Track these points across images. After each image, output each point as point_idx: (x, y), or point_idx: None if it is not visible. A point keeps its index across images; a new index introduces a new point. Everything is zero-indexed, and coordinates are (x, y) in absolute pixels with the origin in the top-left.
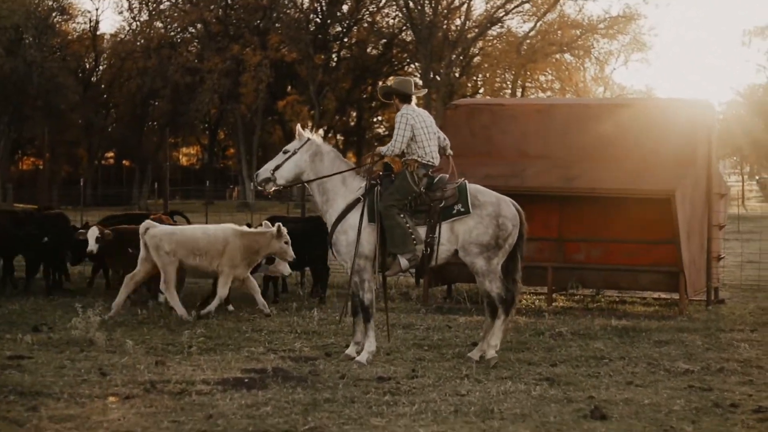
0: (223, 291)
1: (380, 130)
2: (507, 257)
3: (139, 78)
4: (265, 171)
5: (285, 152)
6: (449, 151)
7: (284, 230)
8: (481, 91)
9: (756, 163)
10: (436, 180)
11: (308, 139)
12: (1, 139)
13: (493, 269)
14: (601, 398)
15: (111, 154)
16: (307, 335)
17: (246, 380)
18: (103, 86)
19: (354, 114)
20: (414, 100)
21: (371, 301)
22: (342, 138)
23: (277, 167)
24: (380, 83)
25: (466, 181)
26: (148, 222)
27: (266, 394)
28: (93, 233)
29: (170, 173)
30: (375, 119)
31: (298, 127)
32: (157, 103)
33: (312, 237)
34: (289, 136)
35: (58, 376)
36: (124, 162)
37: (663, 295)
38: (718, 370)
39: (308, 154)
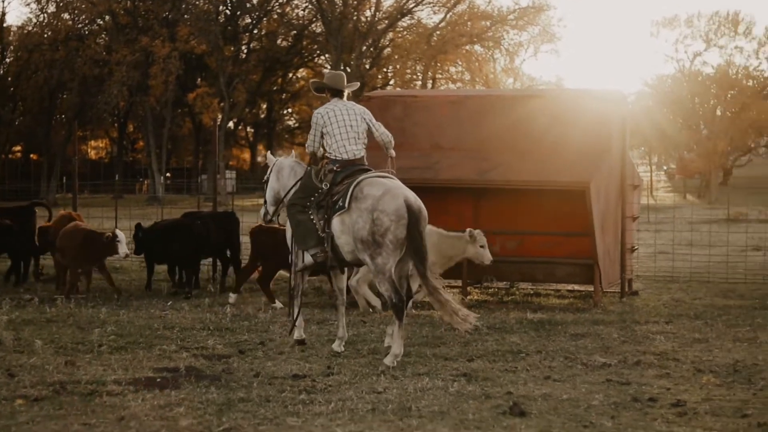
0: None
1: (291, 123)
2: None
3: (47, 70)
4: (262, 206)
5: (265, 182)
6: (391, 152)
7: (478, 235)
8: (391, 82)
9: (664, 153)
10: (341, 173)
11: (275, 161)
12: None
13: (379, 268)
14: (520, 394)
15: (18, 147)
16: (219, 332)
17: (158, 380)
18: (9, 79)
19: (264, 106)
20: (346, 93)
21: (294, 289)
22: (252, 130)
23: (265, 199)
24: (310, 78)
25: (382, 173)
26: None
27: (179, 394)
28: (123, 237)
29: (79, 167)
30: (285, 111)
31: (268, 153)
32: (65, 96)
33: (215, 231)
34: (199, 129)
35: None
36: (31, 156)
37: (577, 288)
38: (635, 363)
39: (275, 174)
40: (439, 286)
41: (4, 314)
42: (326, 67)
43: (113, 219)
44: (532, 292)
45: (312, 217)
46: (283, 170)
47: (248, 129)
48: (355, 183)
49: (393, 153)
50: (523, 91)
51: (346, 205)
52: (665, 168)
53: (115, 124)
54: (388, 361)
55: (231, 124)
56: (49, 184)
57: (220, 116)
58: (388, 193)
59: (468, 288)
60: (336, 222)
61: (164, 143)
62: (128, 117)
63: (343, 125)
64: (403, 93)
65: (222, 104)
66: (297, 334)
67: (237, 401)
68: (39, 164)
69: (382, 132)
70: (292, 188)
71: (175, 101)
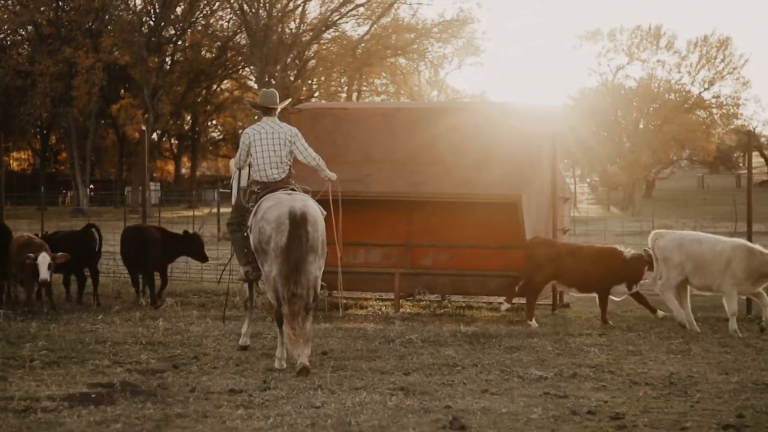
0: (732, 307)
1: (215, 134)
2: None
3: None
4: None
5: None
6: (326, 173)
7: None
8: (316, 94)
9: (587, 165)
10: (261, 195)
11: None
12: None
13: (266, 275)
14: (458, 408)
15: None
16: (152, 346)
17: (93, 395)
18: None
19: (188, 118)
20: (277, 111)
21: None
22: (176, 142)
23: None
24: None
25: (290, 190)
26: (657, 232)
27: (115, 410)
28: (45, 260)
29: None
30: (210, 123)
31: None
32: None
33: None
34: (123, 140)
35: None
36: None
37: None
38: (571, 376)
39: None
40: (299, 309)
41: None
42: (251, 79)
43: (40, 231)
44: (464, 304)
45: (246, 235)
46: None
47: (172, 141)
48: (260, 200)
49: (330, 175)
50: (454, 104)
51: (248, 221)
52: (588, 180)
53: (38, 136)
54: (241, 340)
55: (155, 135)
56: None
57: (144, 127)
58: (277, 204)
59: (400, 301)
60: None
61: (88, 155)
62: (51, 128)
63: (266, 149)
64: (334, 105)
65: (146, 116)
66: (242, 340)
67: (174, 417)
68: None
69: (307, 155)
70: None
71: (98, 113)
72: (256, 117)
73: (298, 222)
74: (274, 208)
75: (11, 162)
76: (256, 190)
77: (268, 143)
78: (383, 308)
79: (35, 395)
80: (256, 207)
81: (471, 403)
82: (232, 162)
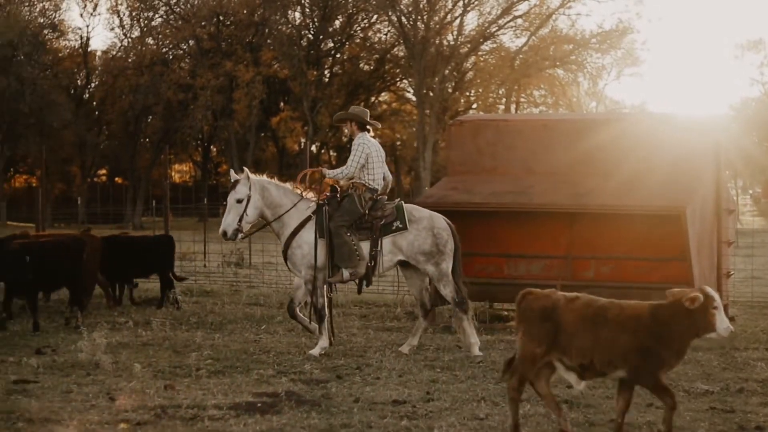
0: None
1: None
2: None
3: (132, 95)
4: (231, 224)
5: (239, 201)
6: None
7: None
8: (474, 106)
9: (749, 177)
10: (377, 201)
11: (256, 180)
12: None
13: (444, 272)
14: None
15: (103, 171)
16: (315, 357)
17: (259, 404)
18: (95, 103)
19: (346, 130)
20: (370, 129)
21: (323, 305)
22: (335, 154)
23: (241, 218)
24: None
25: (402, 201)
26: None
27: (281, 419)
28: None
29: (164, 190)
30: None
31: (231, 172)
32: (149, 120)
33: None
34: (283, 153)
35: (65, 402)
36: (116, 179)
37: None
38: (738, 390)
39: (259, 194)
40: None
41: (102, 338)
42: (408, 91)
43: (202, 243)
44: None
45: (351, 238)
46: (268, 189)
47: (331, 153)
48: (402, 208)
49: None
50: (615, 115)
51: (407, 225)
52: (751, 192)
53: (199, 148)
54: (475, 351)
55: (314, 148)
56: (135, 207)
57: (303, 140)
58: (434, 215)
59: None
60: (386, 242)
61: (248, 167)
62: (212, 141)
63: (380, 160)
64: (495, 117)
65: (305, 128)
66: (321, 344)
67: (339, 427)
68: (120, 187)
69: (387, 172)
70: (290, 210)
71: (258, 125)
72: (370, 133)
73: (454, 233)
74: (436, 218)
75: (173, 174)
76: (374, 197)
77: (380, 155)
78: None
79: (202, 404)
80: (406, 213)
81: (636, 417)
82: (343, 171)
